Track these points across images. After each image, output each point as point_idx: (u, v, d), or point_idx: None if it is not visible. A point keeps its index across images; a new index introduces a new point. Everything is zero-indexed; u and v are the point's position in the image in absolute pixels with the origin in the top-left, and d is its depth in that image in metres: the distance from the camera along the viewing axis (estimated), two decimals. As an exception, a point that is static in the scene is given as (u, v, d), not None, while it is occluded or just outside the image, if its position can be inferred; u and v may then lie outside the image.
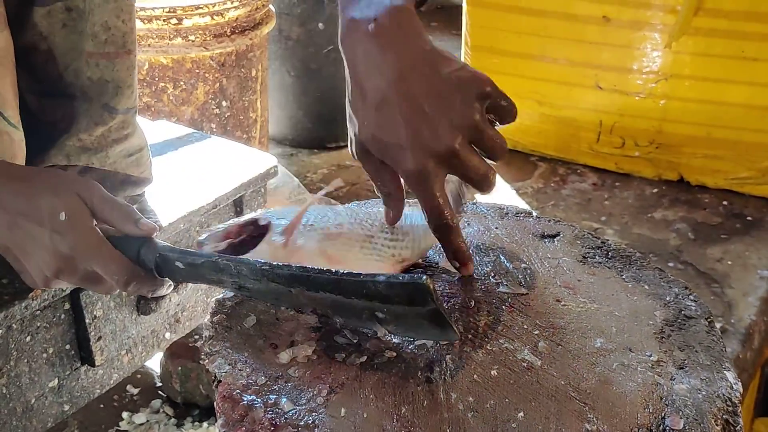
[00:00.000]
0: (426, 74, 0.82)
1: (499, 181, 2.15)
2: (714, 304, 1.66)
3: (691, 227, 1.93)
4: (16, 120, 1.04)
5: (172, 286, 0.91)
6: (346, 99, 0.86)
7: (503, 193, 2.08)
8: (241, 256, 0.84)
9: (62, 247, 0.84)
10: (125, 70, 1.12)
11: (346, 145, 0.91)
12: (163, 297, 1.23)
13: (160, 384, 1.52)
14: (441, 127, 0.82)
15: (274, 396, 0.77)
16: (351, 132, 0.87)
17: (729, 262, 1.80)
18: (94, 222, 0.87)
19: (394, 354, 0.82)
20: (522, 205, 2.00)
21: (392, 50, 0.81)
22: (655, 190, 2.08)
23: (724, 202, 2.03)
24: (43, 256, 0.84)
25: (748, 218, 1.97)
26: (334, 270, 0.78)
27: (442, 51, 0.84)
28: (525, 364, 0.81)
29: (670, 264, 1.78)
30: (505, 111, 0.87)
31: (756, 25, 1.85)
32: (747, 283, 1.74)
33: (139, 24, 1.71)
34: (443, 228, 0.86)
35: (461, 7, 2.23)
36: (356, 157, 0.88)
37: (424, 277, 0.73)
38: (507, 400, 0.76)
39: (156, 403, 1.48)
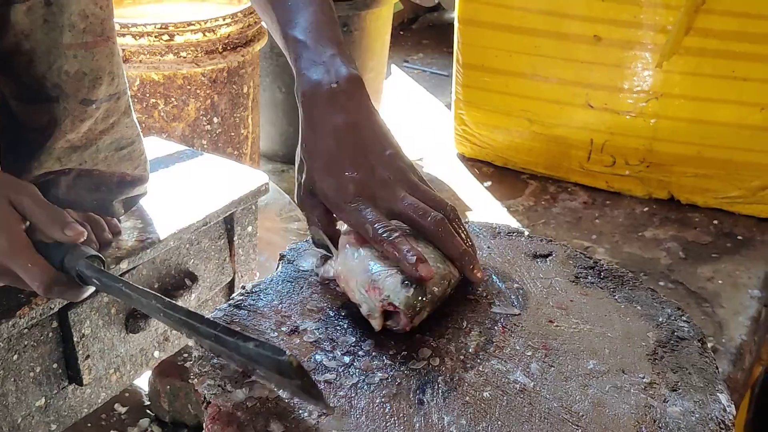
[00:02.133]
0: (370, 139, 0.92)
1: (490, 199, 2.16)
2: (705, 324, 1.66)
3: (681, 246, 1.93)
4: None
5: (91, 289, 0.92)
6: (299, 147, 0.94)
7: (494, 211, 2.07)
8: (149, 291, 0.87)
9: None
10: (104, 57, 1.10)
11: None
12: (146, 317, 1.21)
13: (149, 403, 1.50)
14: (382, 170, 0.91)
15: (264, 418, 0.76)
16: (299, 179, 0.95)
17: (720, 282, 1.80)
18: (23, 226, 0.89)
19: (386, 375, 0.81)
20: (513, 223, 2.00)
21: (346, 111, 0.92)
22: (646, 209, 2.09)
23: (715, 221, 2.03)
24: None
25: (739, 237, 1.97)
26: (216, 323, 0.81)
27: (382, 124, 0.95)
28: (517, 386, 0.80)
29: (661, 283, 1.78)
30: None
31: (746, 45, 1.86)
32: (737, 303, 1.74)
33: (130, 40, 1.71)
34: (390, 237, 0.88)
35: (453, 25, 2.24)
36: (300, 201, 0.95)
37: (287, 354, 0.73)
38: (500, 422, 0.76)
39: (144, 422, 1.47)
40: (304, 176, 0.93)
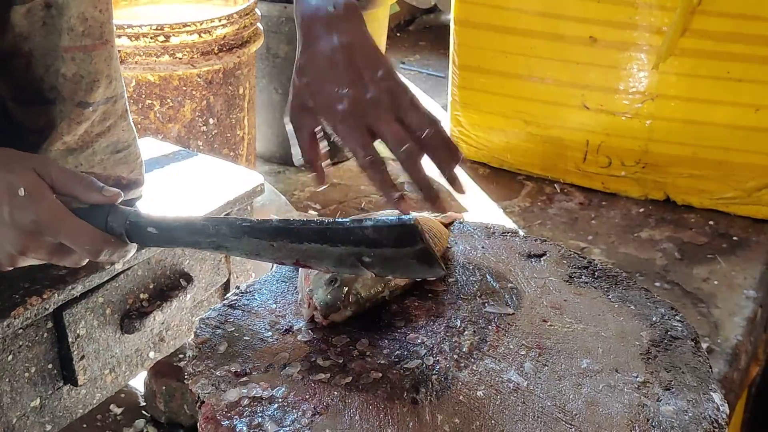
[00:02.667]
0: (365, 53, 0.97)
1: (486, 199, 2.16)
2: (700, 324, 1.66)
3: (677, 247, 1.93)
4: None
5: (135, 248, 0.90)
6: (295, 68, 0.98)
7: (490, 212, 2.07)
8: (217, 217, 0.89)
9: (25, 222, 0.82)
10: (103, 61, 1.10)
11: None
12: (147, 315, 1.21)
13: (144, 403, 1.50)
14: (373, 86, 0.95)
15: (258, 417, 0.76)
16: (293, 91, 0.99)
17: (715, 282, 1.80)
18: (55, 195, 0.85)
19: (380, 375, 0.81)
20: (509, 224, 2.00)
21: (343, 33, 0.97)
22: (642, 210, 2.09)
23: (710, 222, 2.03)
24: (6, 234, 0.83)
25: (734, 238, 1.97)
26: (318, 220, 0.81)
27: (376, 47, 0.99)
28: (511, 385, 0.80)
29: (657, 284, 1.78)
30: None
31: (742, 46, 1.87)
32: (733, 303, 1.74)
33: (126, 41, 1.71)
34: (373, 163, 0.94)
35: (449, 26, 2.24)
36: (293, 113, 1.01)
37: (412, 218, 0.76)
38: (493, 421, 0.76)
39: (140, 422, 1.47)
40: (298, 87, 0.98)
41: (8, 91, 1.08)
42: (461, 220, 1.09)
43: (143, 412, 1.49)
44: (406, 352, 0.84)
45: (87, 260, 0.89)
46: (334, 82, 0.95)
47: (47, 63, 1.06)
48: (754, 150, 1.95)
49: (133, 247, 0.89)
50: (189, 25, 1.74)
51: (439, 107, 2.72)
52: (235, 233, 0.82)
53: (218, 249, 0.86)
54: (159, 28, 1.72)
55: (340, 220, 0.80)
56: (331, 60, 0.96)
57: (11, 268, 0.89)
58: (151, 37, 1.72)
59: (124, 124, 1.18)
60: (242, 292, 0.95)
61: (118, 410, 1.49)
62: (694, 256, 1.90)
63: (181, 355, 1.43)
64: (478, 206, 2.11)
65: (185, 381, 0.82)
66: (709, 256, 1.90)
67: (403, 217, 0.80)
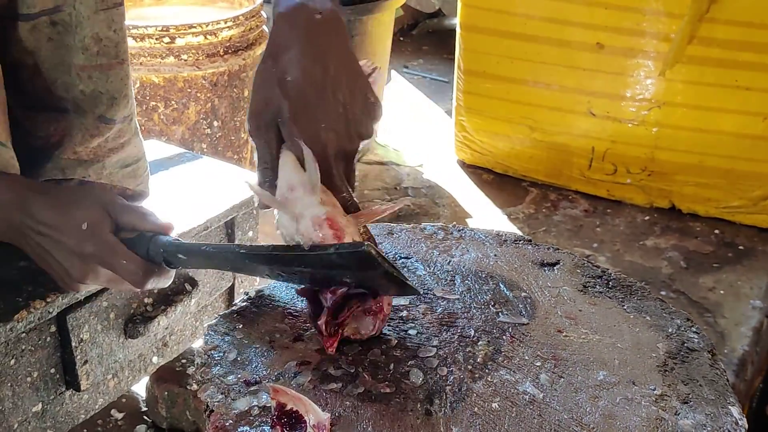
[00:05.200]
0: (353, 81, 0.91)
1: (490, 206, 2.15)
2: (707, 334, 1.64)
3: (682, 256, 1.92)
4: (5, 137, 1.02)
5: (173, 273, 0.98)
6: (261, 67, 0.90)
7: (494, 219, 2.06)
8: (226, 244, 0.90)
9: (85, 252, 0.92)
10: (119, 80, 1.11)
11: None
12: (151, 319, 1.20)
13: (146, 409, 1.49)
14: (354, 130, 0.90)
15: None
16: (260, 102, 0.90)
17: (721, 292, 1.79)
18: (114, 229, 0.94)
19: (393, 385, 0.80)
20: (513, 230, 1.99)
21: (332, 47, 0.90)
22: (647, 218, 2.08)
23: (716, 231, 2.02)
24: (70, 261, 0.93)
25: (740, 247, 1.96)
26: (299, 246, 0.82)
27: (358, 65, 0.93)
28: (527, 397, 0.79)
29: (663, 292, 1.77)
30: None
31: (750, 54, 1.86)
32: (739, 313, 1.73)
33: (131, 42, 1.69)
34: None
35: (453, 31, 2.23)
36: (255, 128, 0.90)
37: (364, 245, 0.77)
38: (509, 434, 0.74)
39: (141, 428, 1.45)
40: (269, 102, 0.88)
41: (14, 98, 1.07)
42: (461, 227, 1.07)
43: (145, 417, 1.47)
44: (419, 362, 0.83)
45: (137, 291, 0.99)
46: (314, 113, 0.87)
47: (54, 76, 1.07)
48: (761, 159, 1.94)
49: (172, 273, 0.97)
50: (194, 27, 1.72)
51: (443, 112, 2.71)
52: (239, 259, 0.88)
53: (235, 270, 0.98)
54: (164, 29, 1.70)
55: (315, 245, 0.81)
56: (308, 81, 0.87)
57: (73, 292, 1.04)
58: (156, 39, 1.71)
59: (136, 141, 1.19)
60: (251, 298, 0.93)
61: (120, 415, 1.47)
62: (699, 265, 1.89)
63: (183, 361, 1.41)
64: (481, 212, 2.09)
65: (192, 389, 0.80)
66: (715, 265, 1.89)
67: (356, 243, 0.80)
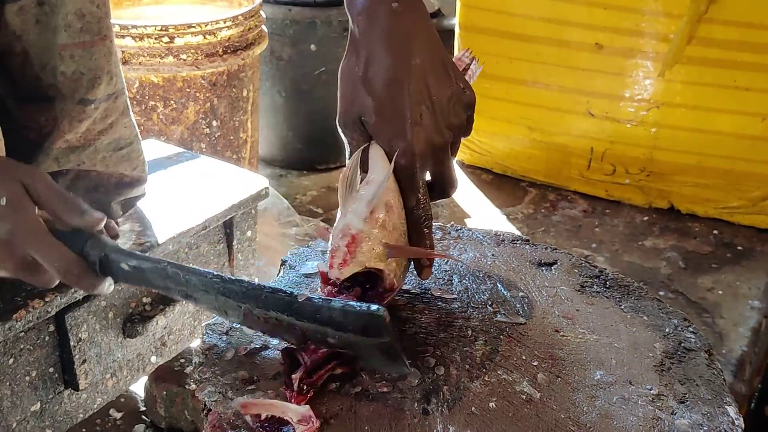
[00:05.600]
0: (438, 68, 0.88)
1: (489, 206, 2.15)
2: (705, 335, 1.64)
3: (681, 256, 1.92)
4: None
5: (112, 286, 0.86)
6: (344, 64, 0.89)
7: (493, 219, 2.06)
8: (192, 266, 0.82)
9: (0, 232, 0.81)
10: (103, 57, 1.08)
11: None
12: (150, 319, 1.20)
13: (144, 408, 1.49)
14: (443, 121, 0.88)
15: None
16: (346, 101, 0.89)
17: (720, 292, 1.79)
18: (37, 210, 0.84)
19: (390, 384, 0.80)
20: (512, 230, 1.99)
21: (413, 35, 0.87)
22: (646, 218, 2.08)
23: (715, 231, 2.02)
24: None
25: (739, 248, 1.96)
26: (289, 292, 0.77)
27: (443, 51, 0.91)
28: (524, 397, 0.79)
29: (661, 293, 1.77)
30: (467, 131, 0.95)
31: (748, 55, 1.86)
32: (738, 314, 1.73)
33: (130, 42, 1.69)
34: (424, 221, 0.87)
35: (452, 31, 2.23)
36: (343, 126, 0.89)
37: (381, 309, 0.71)
38: (506, 433, 0.74)
39: (139, 428, 1.45)
40: (350, 102, 0.88)
41: (6, 89, 1.07)
42: (459, 227, 1.08)
43: (143, 417, 1.47)
44: (416, 362, 0.83)
45: (56, 282, 0.85)
46: (399, 107, 0.85)
47: (43, 61, 1.05)
48: (760, 159, 1.94)
49: (109, 283, 0.86)
50: (193, 27, 1.72)
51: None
52: (205, 287, 0.80)
53: (187, 298, 0.83)
54: (163, 29, 1.71)
55: (312, 296, 0.76)
56: (395, 78, 0.86)
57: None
58: (156, 38, 1.71)
59: (125, 121, 1.17)
60: (249, 298, 0.93)
61: (118, 415, 1.47)
62: (698, 265, 1.89)
63: (182, 360, 1.41)
64: (480, 212, 2.09)
65: (191, 388, 0.80)
66: (713, 265, 1.89)
67: (373, 306, 0.72)
